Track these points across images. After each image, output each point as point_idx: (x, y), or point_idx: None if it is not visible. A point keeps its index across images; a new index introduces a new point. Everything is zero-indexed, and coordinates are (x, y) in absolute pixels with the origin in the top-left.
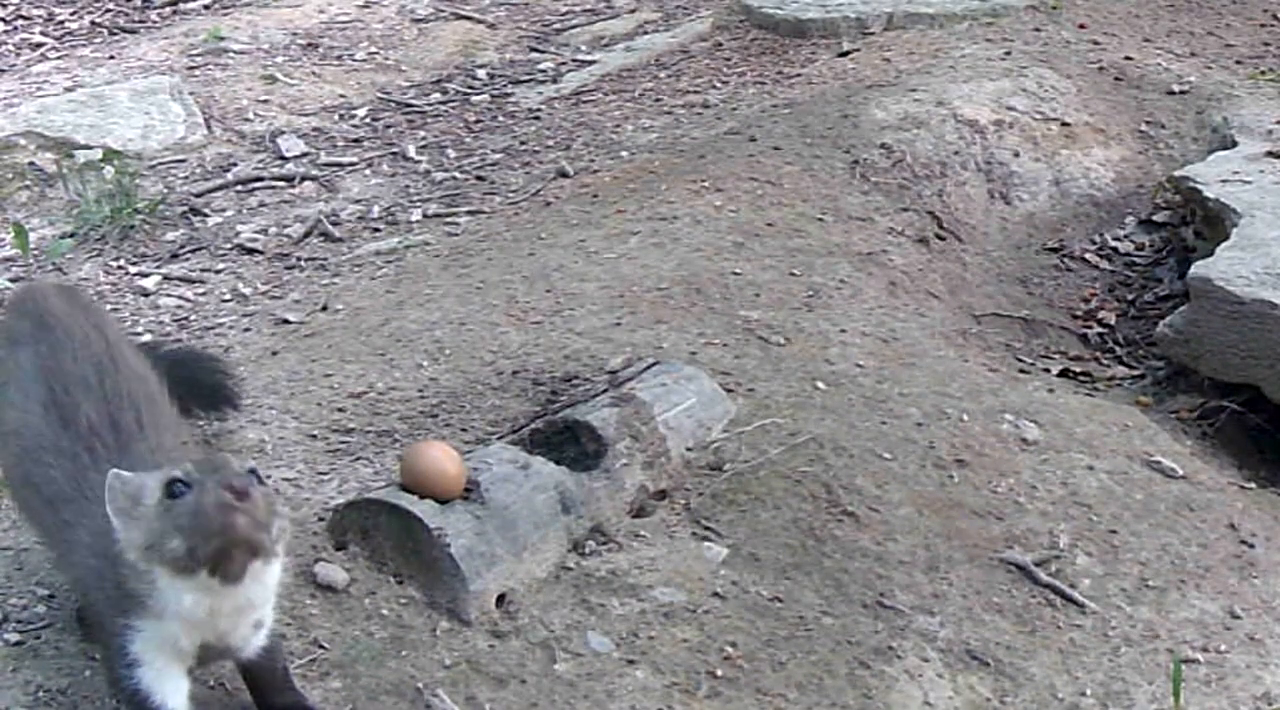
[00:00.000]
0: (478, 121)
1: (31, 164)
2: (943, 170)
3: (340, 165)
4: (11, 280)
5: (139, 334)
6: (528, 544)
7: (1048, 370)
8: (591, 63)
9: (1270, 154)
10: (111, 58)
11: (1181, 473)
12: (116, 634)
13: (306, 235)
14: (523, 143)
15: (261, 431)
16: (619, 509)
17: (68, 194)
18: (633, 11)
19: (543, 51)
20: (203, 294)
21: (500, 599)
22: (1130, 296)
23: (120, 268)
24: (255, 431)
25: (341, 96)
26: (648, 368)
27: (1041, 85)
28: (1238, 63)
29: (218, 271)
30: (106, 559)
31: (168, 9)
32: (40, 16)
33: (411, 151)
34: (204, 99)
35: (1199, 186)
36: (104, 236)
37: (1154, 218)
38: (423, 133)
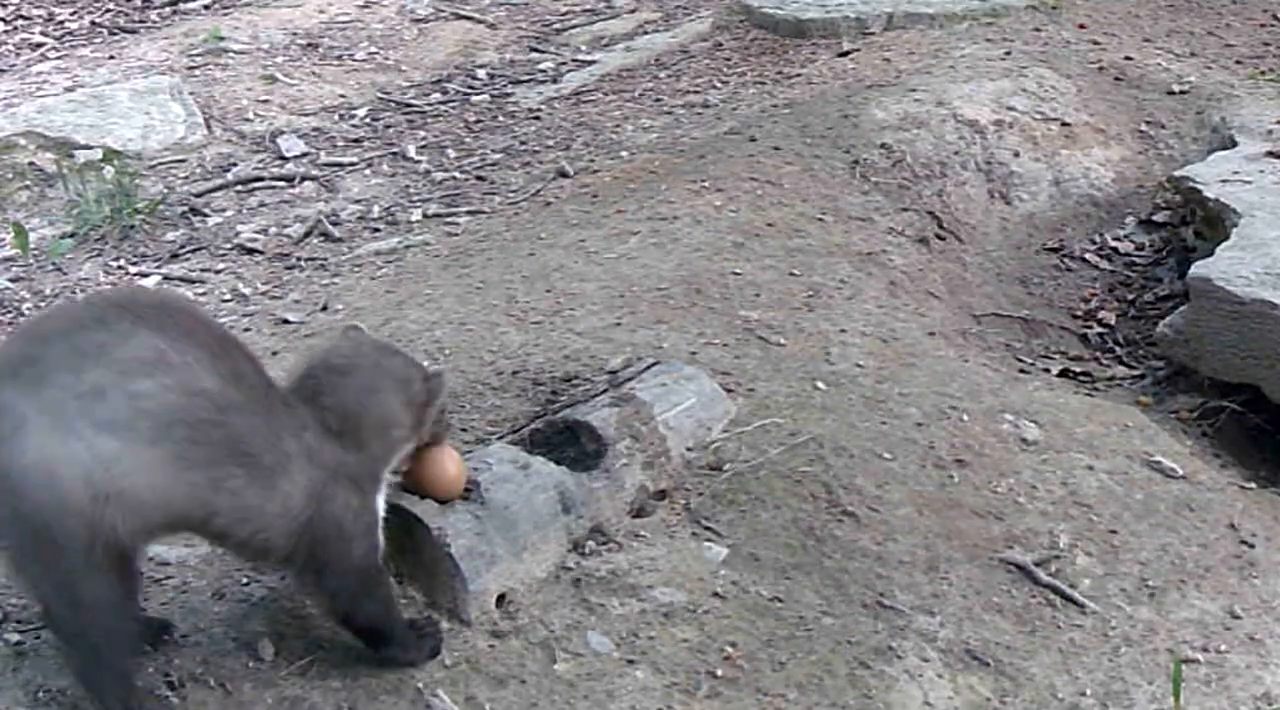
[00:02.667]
0: (478, 121)
1: (31, 164)
2: (943, 170)
3: (340, 165)
4: (11, 280)
5: None
6: (528, 544)
7: (1048, 370)
8: (591, 63)
9: (1270, 154)
10: (111, 58)
11: (1181, 473)
12: (364, 514)
13: (306, 235)
14: (523, 143)
15: None
16: (619, 509)
17: (68, 194)
18: (633, 11)
19: (543, 51)
20: (203, 294)
21: (500, 599)
22: (1130, 296)
23: (120, 268)
24: None
25: (341, 96)
26: (648, 368)
27: (1041, 85)
28: (1238, 63)
29: (218, 271)
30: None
31: (168, 9)
32: (40, 16)
33: (411, 151)
34: (204, 99)
35: (1199, 186)
36: (104, 236)
37: (1154, 218)
38: (423, 133)
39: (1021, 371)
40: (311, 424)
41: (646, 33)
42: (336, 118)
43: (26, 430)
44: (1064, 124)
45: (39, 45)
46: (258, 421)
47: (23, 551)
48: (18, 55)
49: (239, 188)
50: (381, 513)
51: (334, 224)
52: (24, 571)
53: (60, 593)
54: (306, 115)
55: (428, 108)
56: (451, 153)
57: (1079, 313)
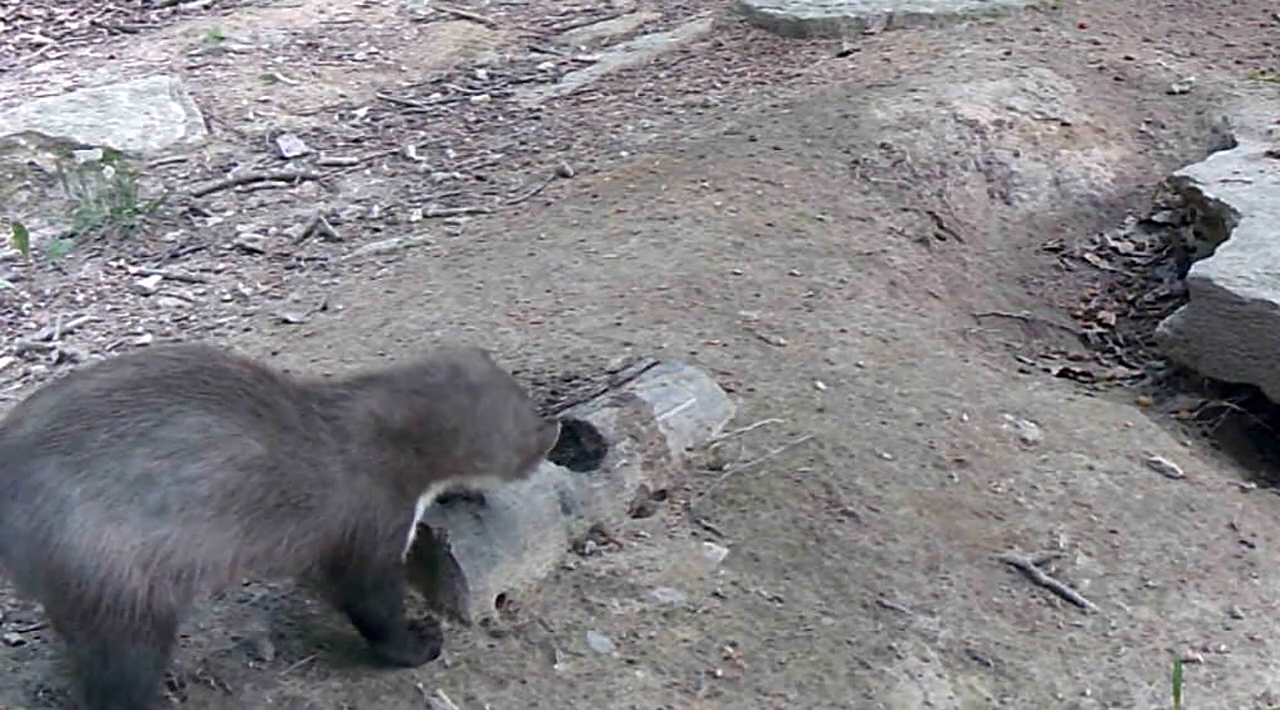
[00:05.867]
0: (478, 121)
1: (31, 164)
2: (943, 170)
3: (340, 165)
4: (11, 280)
5: (139, 334)
6: (528, 544)
7: (1048, 370)
8: (591, 63)
9: (1270, 154)
10: (111, 58)
11: (1181, 473)
12: (399, 515)
13: (306, 235)
14: (523, 143)
15: None
16: (619, 509)
17: (68, 194)
18: (633, 11)
19: (543, 51)
20: (203, 294)
21: (500, 599)
22: (1130, 296)
23: (120, 268)
24: None
25: (341, 96)
26: (648, 368)
27: (1041, 85)
28: (1238, 63)
29: (218, 271)
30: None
31: (168, 9)
32: (40, 16)
33: (411, 151)
34: (204, 99)
35: (1199, 186)
36: (104, 236)
37: (1154, 218)
38: (423, 133)
39: (1021, 371)
40: (357, 430)
41: (646, 33)
42: (336, 118)
43: (72, 513)
44: (1064, 124)
45: (39, 45)
46: (304, 464)
47: (67, 619)
48: (18, 55)
49: (239, 188)
50: (419, 516)
51: (334, 224)
52: (64, 631)
53: (103, 657)
54: (306, 115)
55: (428, 108)
56: (451, 153)
57: (1079, 313)
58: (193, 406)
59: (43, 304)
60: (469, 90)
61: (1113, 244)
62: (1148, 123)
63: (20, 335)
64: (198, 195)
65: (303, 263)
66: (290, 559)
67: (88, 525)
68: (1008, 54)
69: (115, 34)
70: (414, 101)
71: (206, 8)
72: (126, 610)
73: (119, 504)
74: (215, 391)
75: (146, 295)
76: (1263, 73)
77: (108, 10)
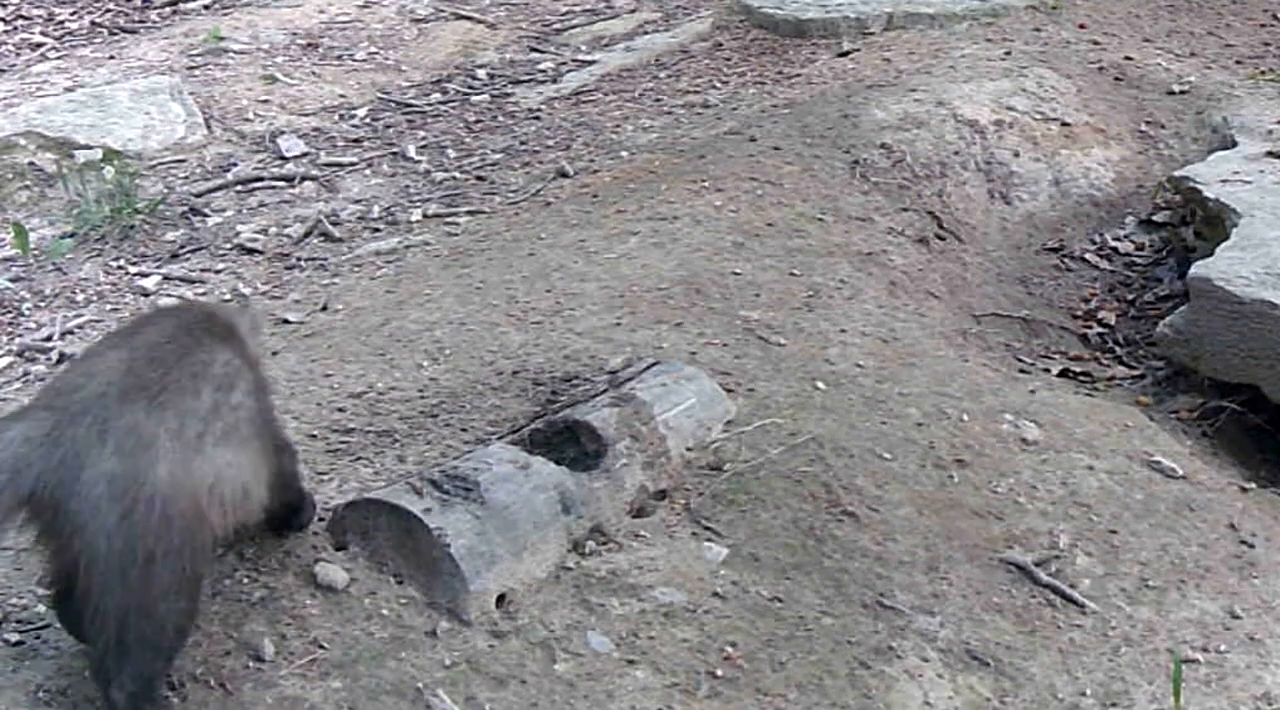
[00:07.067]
0: (478, 121)
1: (31, 164)
2: (943, 170)
3: (340, 165)
4: (11, 280)
5: None
6: (528, 544)
7: (1048, 370)
8: (591, 63)
9: (1270, 154)
10: (111, 58)
11: (1181, 473)
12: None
13: (306, 235)
14: (523, 143)
15: None
16: (619, 509)
17: (68, 194)
18: (633, 11)
19: (543, 51)
20: (203, 294)
21: (500, 599)
22: (1130, 296)
23: (120, 268)
24: None
25: (341, 96)
26: (648, 368)
27: (1041, 85)
28: (1238, 63)
29: (218, 271)
30: None
31: (168, 9)
32: (40, 16)
33: (411, 151)
34: (204, 99)
35: (1199, 186)
36: (104, 236)
37: (1154, 218)
38: (423, 133)
39: (1021, 371)
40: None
41: (646, 33)
42: (336, 118)
43: (159, 451)
44: (1064, 124)
45: (39, 45)
46: (260, 386)
47: (124, 567)
48: (18, 55)
49: (239, 188)
50: None
51: (334, 224)
52: (102, 588)
53: (144, 608)
54: (306, 115)
55: (428, 108)
56: (451, 153)
57: (1079, 313)
58: (219, 342)
59: (43, 304)
60: (469, 90)
61: (1113, 244)
62: (1148, 123)
63: (20, 335)
64: (198, 195)
65: (303, 263)
66: (288, 469)
67: (177, 460)
68: (1008, 54)
69: (115, 34)
70: (414, 101)
71: (206, 8)
72: (198, 547)
73: (198, 437)
74: (221, 332)
75: (146, 295)
76: (1263, 73)
77: (108, 10)
